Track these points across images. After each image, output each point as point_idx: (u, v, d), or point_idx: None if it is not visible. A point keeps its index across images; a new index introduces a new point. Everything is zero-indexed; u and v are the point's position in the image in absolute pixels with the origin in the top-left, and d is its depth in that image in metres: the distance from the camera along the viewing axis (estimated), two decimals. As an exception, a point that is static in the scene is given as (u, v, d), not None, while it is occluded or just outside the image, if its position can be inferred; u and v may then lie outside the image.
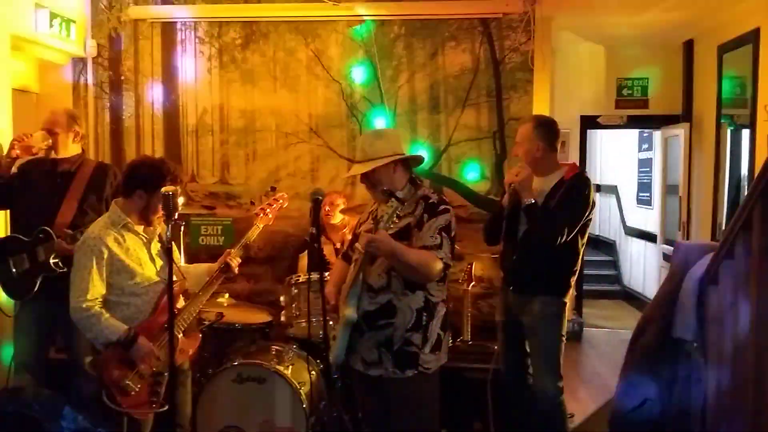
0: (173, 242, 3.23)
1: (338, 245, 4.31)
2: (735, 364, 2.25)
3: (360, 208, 4.17)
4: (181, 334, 3.09)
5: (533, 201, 3.35)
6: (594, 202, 3.44)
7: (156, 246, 3.11)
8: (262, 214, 3.50)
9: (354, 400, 3.13)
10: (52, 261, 3.53)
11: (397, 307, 2.76)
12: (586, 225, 3.44)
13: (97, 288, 2.91)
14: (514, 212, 3.48)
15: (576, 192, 3.38)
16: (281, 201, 3.59)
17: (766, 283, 2.05)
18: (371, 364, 2.79)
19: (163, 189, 2.67)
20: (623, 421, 2.93)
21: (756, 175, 2.08)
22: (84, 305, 2.88)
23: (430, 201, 2.79)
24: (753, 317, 2.12)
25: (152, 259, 3.08)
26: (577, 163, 6.99)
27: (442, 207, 2.78)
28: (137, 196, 2.98)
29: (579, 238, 3.43)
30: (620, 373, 2.96)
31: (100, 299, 2.93)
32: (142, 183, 2.97)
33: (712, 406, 2.41)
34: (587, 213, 3.40)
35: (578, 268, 3.51)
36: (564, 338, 3.49)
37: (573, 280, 3.51)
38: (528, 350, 3.57)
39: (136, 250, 3.01)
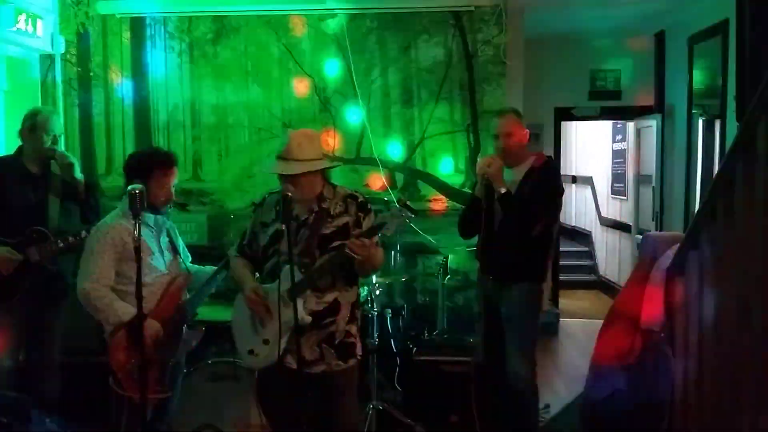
0: (179, 238, 3.38)
1: None
2: (700, 354, 2.28)
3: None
4: (185, 327, 3.20)
5: (506, 190, 3.44)
6: (563, 189, 3.59)
7: (165, 239, 3.21)
8: None
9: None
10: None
11: (341, 304, 2.88)
12: (558, 211, 3.59)
13: (107, 274, 3.01)
14: (488, 202, 3.54)
15: (547, 180, 3.50)
16: None
17: (730, 273, 2.07)
18: (312, 362, 2.83)
19: (129, 187, 2.66)
20: (594, 412, 2.96)
21: (721, 166, 2.11)
22: (95, 287, 2.99)
23: (360, 200, 2.93)
24: (717, 307, 2.15)
25: (161, 251, 3.16)
26: (550, 154, 7.10)
27: (369, 205, 2.94)
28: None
29: (553, 225, 3.56)
30: (590, 364, 2.99)
31: (109, 286, 3.03)
32: (136, 172, 3.05)
33: (680, 395, 2.44)
34: (559, 200, 3.55)
35: (553, 254, 3.60)
36: (539, 324, 3.63)
37: (549, 266, 3.68)
38: (505, 336, 3.61)
39: (146, 242, 3.06)
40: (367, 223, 2.85)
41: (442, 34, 4.89)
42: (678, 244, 2.49)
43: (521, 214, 3.43)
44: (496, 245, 3.55)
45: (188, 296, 3.27)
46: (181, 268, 3.25)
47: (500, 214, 3.53)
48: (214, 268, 3.34)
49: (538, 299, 3.61)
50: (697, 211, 2.29)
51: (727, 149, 4.69)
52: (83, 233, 3.40)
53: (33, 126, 3.63)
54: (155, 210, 3.12)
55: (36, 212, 3.58)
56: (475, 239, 3.78)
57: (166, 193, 3.11)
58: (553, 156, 7.15)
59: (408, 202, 2.73)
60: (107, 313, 2.99)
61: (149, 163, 3.08)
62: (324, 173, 2.96)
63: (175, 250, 3.25)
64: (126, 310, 2.98)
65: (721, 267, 2.12)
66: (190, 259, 3.40)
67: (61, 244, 3.50)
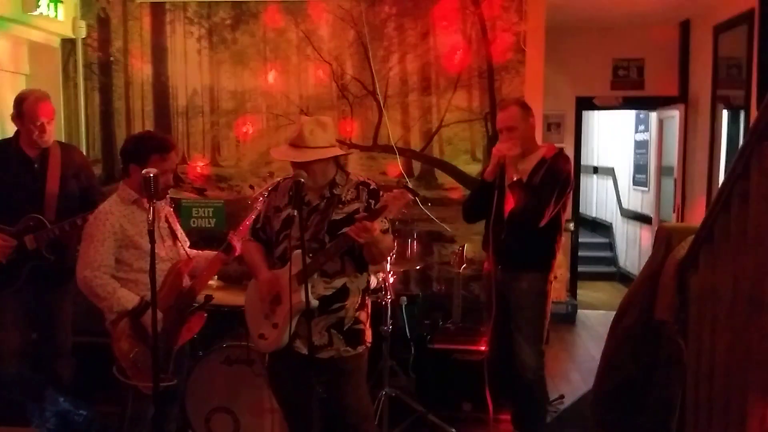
0: (178, 224, 3.35)
1: None
2: (713, 347, 2.26)
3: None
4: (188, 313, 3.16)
5: (519, 177, 3.44)
6: (573, 180, 3.58)
7: (164, 225, 3.17)
8: (261, 198, 3.49)
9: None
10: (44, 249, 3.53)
11: (350, 290, 2.89)
12: (566, 202, 3.58)
13: (108, 261, 2.96)
14: (500, 188, 3.50)
15: (559, 170, 3.49)
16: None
17: (744, 265, 2.04)
18: (321, 347, 2.84)
19: (143, 171, 2.67)
20: (605, 403, 2.94)
21: (736, 155, 2.07)
22: (97, 274, 2.93)
23: (372, 187, 2.94)
24: (730, 300, 2.12)
25: (161, 238, 3.11)
26: (571, 144, 7.04)
27: (381, 192, 2.92)
28: (132, 170, 3.02)
29: (561, 214, 3.55)
30: (601, 355, 2.97)
31: (110, 274, 2.98)
32: (132, 157, 3.02)
33: (692, 389, 2.42)
34: (569, 190, 3.53)
35: (561, 244, 3.65)
36: (548, 314, 3.62)
37: (558, 256, 3.63)
38: (513, 326, 3.62)
39: (145, 228, 2.93)
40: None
41: (461, 21, 4.85)
42: (692, 236, 2.46)
43: (530, 202, 3.41)
44: (504, 234, 3.53)
45: (189, 282, 3.23)
46: (180, 254, 3.21)
47: (511, 202, 3.50)
48: (214, 252, 3.30)
49: (547, 289, 3.59)
50: (712, 202, 2.26)
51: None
52: (79, 221, 3.38)
53: (19, 113, 3.58)
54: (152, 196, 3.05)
55: (34, 198, 3.57)
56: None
57: (164, 178, 3.03)
58: (573, 146, 7.10)
59: (409, 184, 2.71)
60: (110, 302, 2.95)
61: (146, 148, 3.01)
62: (337, 160, 2.97)
63: (174, 236, 3.21)
64: (129, 298, 2.95)
65: (734, 258, 2.09)
66: (188, 243, 3.35)
67: (57, 232, 3.50)
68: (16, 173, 3.61)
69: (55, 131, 4.61)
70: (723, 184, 2.16)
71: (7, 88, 4.46)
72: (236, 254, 3.32)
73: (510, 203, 3.50)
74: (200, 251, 3.40)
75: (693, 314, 2.45)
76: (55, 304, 3.73)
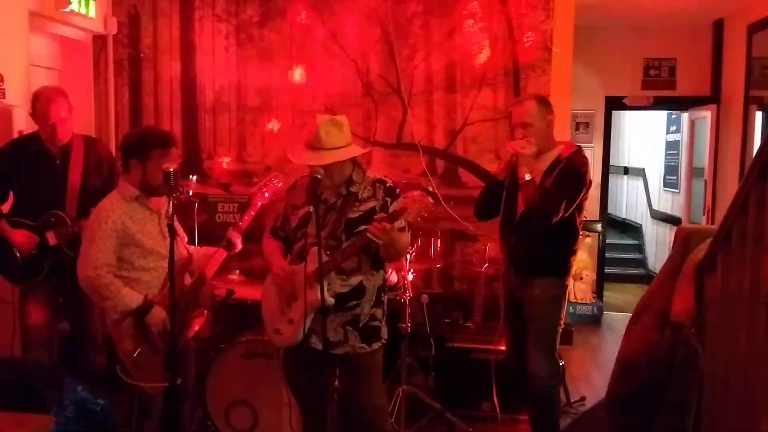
0: (177, 220, 3.30)
1: None
2: (729, 351, 2.22)
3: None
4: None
5: (531, 178, 3.30)
6: (591, 181, 3.41)
7: (165, 221, 3.10)
8: (259, 193, 3.50)
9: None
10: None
11: (366, 287, 2.90)
12: (582, 203, 3.40)
13: (110, 260, 2.90)
14: (511, 189, 3.38)
15: (574, 170, 3.32)
16: (276, 181, 3.57)
17: (761, 268, 2.01)
18: (336, 344, 2.86)
19: (163, 166, 2.70)
20: (619, 406, 2.91)
21: (753, 158, 2.04)
22: (100, 273, 2.87)
23: (388, 185, 2.94)
24: (747, 302, 2.09)
25: (162, 234, 3.05)
26: (597, 145, 6.94)
27: (398, 190, 2.94)
28: (133, 166, 2.98)
29: (576, 216, 3.38)
30: (617, 357, 2.94)
31: (112, 273, 2.92)
32: (133, 152, 2.97)
33: (708, 392, 2.38)
34: (584, 192, 3.35)
35: (578, 248, 3.51)
36: (563, 321, 3.48)
37: (574, 261, 3.48)
38: (526, 333, 3.50)
39: (147, 225, 3.00)
40: (393, 208, 2.84)
41: (487, 19, 4.82)
42: (711, 238, 2.42)
43: (541, 202, 3.25)
44: (515, 236, 3.42)
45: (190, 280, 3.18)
46: (181, 251, 3.11)
47: (521, 203, 3.35)
48: (214, 249, 3.28)
49: (562, 296, 3.45)
50: (730, 204, 2.22)
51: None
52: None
53: (33, 112, 3.61)
54: (154, 192, 3.00)
55: (55, 193, 3.60)
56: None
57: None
58: (602, 146, 7.02)
59: (429, 188, 2.72)
60: (114, 301, 2.90)
61: (148, 143, 2.95)
62: (353, 157, 2.96)
63: (171, 231, 3.17)
64: (133, 297, 2.91)
65: (752, 260, 2.06)
66: (186, 240, 3.30)
67: (76, 229, 3.51)
68: (37, 169, 3.63)
69: (86, 126, 4.76)
70: (740, 186, 2.13)
71: (40, 83, 4.55)
72: (237, 250, 3.32)
73: (521, 204, 3.36)
74: (200, 248, 3.38)
75: (710, 317, 2.42)
76: (82, 295, 3.76)
